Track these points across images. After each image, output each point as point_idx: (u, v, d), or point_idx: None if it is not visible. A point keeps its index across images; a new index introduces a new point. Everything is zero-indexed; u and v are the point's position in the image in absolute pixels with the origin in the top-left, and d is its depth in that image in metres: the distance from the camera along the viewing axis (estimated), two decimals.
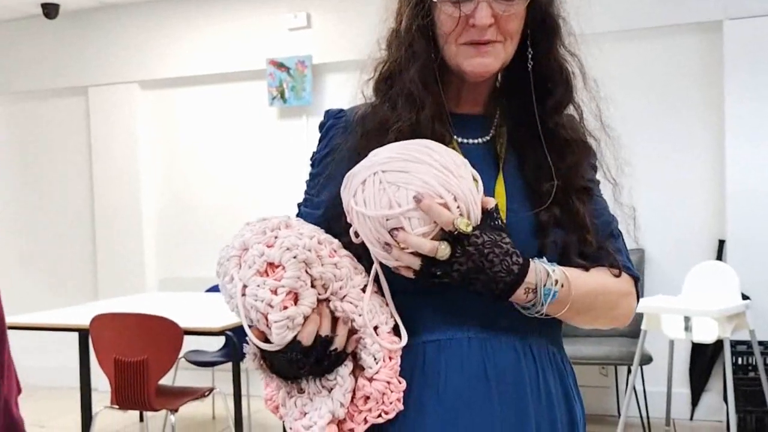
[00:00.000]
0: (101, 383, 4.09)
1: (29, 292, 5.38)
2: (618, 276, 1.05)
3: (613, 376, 4.23)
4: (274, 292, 0.89)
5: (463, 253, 0.89)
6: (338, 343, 0.93)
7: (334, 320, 0.94)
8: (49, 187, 5.55)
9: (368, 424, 0.96)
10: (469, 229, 0.88)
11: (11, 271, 5.56)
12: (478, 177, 0.94)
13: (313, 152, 1.13)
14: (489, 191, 1.00)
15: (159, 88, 5.24)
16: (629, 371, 3.61)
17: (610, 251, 1.06)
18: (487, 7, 0.98)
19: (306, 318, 0.91)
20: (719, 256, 4.10)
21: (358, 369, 0.96)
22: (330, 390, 0.95)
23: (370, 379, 0.95)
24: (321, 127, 1.14)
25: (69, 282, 5.47)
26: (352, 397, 0.95)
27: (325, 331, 0.92)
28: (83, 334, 3.55)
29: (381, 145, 0.97)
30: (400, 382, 0.97)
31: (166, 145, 5.28)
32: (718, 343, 3.59)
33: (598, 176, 1.14)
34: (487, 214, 0.92)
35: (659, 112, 4.21)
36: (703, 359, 4.14)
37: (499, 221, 0.93)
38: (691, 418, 4.20)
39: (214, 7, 5.02)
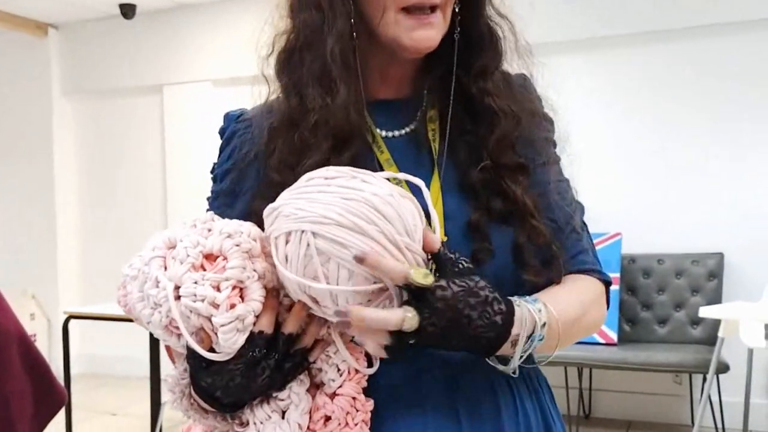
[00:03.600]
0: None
1: (102, 285, 5.54)
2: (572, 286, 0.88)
3: (687, 384, 4.08)
4: (217, 288, 0.72)
5: (433, 312, 0.71)
6: (307, 340, 0.77)
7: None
8: (123, 183, 5.69)
9: None
10: (429, 280, 0.71)
11: (86, 265, 5.75)
12: (436, 221, 0.77)
13: (214, 164, 0.97)
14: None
15: (231, 86, 5.32)
16: (704, 380, 3.47)
17: (571, 251, 0.90)
18: None
19: (256, 316, 0.75)
20: None
21: (312, 388, 0.80)
22: (282, 414, 0.78)
23: (332, 396, 0.79)
24: (221, 133, 0.97)
25: None
26: (309, 421, 0.78)
27: (290, 328, 0.76)
28: None
29: (290, 147, 0.84)
30: (367, 401, 0.80)
31: None
32: None
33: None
34: (445, 259, 0.75)
35: (734, 109, 4.04)
36: None
37: (462, 262, 0.75)
38: None
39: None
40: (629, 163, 4.17)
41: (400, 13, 0.84)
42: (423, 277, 0.71)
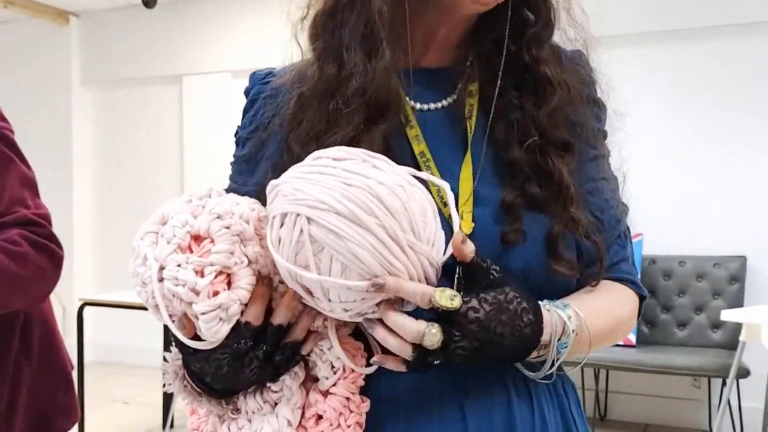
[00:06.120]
0: None
1: (117, 273, 5.56)
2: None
3: (706, 388, 4.02)
4: (200, 273, 0.67)
5: (464, 335, 0.66)
6: (298, 333, 0.72)
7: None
8: (141, 173, 5.70)
9: None
10: (456, 303, 0.66)
11: (101, 253, 5.76)
12: (453, 209, 0.72)
13: (238, 127, 0.92)
14: (454, 175, 0.79)
15: None
16: (724, 384, 3.42)
17: (610, 255, 0.83)
18: None
19: (244, 305, 0.70)
20: None
21: (309, 381, 0.75)
22: (274, 405, 0.74)
23: (325, 394, 0.74)
24: (246, 94, 0.92)
25: None
26: (301, 417, 0.74)
27: (279, 319, 0.71)
28: None
29: (320, 118, 0.78)
30: (362, 401, 0.74)
31: None
32: None
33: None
34: (479, 270, 0.70)
35: (760, 110, 3.96)
36: None
37: (494, 272, 0.70)
38: None
39: None
40: (651, 163, 4.10)
41: None
42: (449, 299, 0.66)
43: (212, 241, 0.68)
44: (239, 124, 0.92)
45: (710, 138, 4.06)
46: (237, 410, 0.76)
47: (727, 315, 3.22)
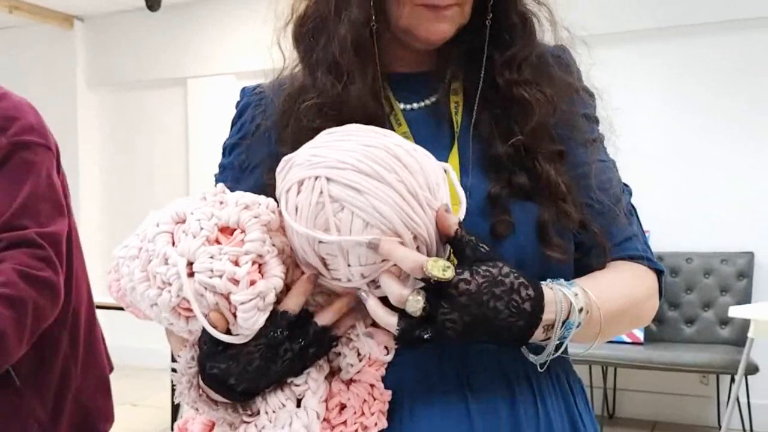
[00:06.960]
0: None
1: None
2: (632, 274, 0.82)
3: (714, 385, 4.01)
4: (236, 263, 0.66)
5: (453, 308, 0.65)
6: (341, 330, 0.73)
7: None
8: (147, 176, 5.72)
9: None
10: (449, 275, 0.64)
11: (109, 257, 5.77)
12: (462, 196, 0.72)
13: (226, 138, 0.94)
14: None
15: (255, 80, 5.30)
16: (732, 381, 3.41)
17: (619, 235, 0.83)
18: None
19: (278, 294, 0.69)
20: None
21: (329, 374, 0.75)
22: (297, 401, 0.72)
23: (348, 383, 0.73)
24: (237, 106, 0.96)
25: None
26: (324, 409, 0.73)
27: (325, 321, 0.72)
28: None
29: (300, 126, 0.80)
30: (385, 391, 0.74)
31: None
32: None
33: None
34: (464, 242, 0.68)
35: (764, 106, 3.96)
36: None
37: (482, 246, 0.68)
38: None
39: None
40: (658, 160, 4.09)
41: (417, 7, 0.81)
42: (442, 270, 0.64)
43: (243, 231, 0.68)
44: (228, 135, 0.94)
45: (715, 134, 4.04)
46: (252, 414, 0.74)
47: (735, 311, 3.21)
